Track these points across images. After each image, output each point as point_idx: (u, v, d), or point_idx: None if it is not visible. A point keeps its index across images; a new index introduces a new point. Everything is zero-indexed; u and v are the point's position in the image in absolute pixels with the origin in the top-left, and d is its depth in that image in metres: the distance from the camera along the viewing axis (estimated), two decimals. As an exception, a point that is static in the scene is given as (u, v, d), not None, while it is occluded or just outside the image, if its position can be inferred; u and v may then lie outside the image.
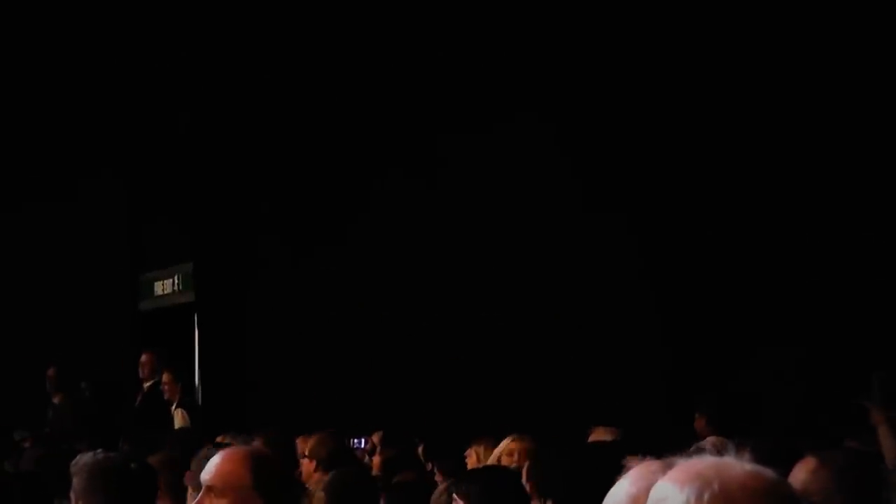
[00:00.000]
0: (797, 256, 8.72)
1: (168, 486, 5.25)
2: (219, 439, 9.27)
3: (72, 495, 4.58)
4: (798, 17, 8.62)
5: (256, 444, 8.97)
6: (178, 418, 11.68)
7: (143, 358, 12.57)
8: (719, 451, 2.98)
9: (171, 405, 11.89)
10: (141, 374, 12.53)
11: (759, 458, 3.94)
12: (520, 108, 10.79)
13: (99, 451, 4.76)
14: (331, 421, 9.55)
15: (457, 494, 4.92)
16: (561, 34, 10.34)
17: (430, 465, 7.30)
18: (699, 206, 9.32)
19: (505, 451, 7.19)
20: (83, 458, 4.67)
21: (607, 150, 10.08)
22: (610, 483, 2.49)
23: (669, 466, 2.61)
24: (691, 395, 8.49)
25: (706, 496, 2.10)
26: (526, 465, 5.78)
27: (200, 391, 14.12)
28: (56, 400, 13.30)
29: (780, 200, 8.81)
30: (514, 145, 10.85)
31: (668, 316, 9.62)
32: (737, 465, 2.17)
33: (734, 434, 7.08)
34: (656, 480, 2.24)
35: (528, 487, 5.32)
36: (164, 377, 11.99)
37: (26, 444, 10.12)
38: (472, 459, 7.69)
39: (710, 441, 6.77)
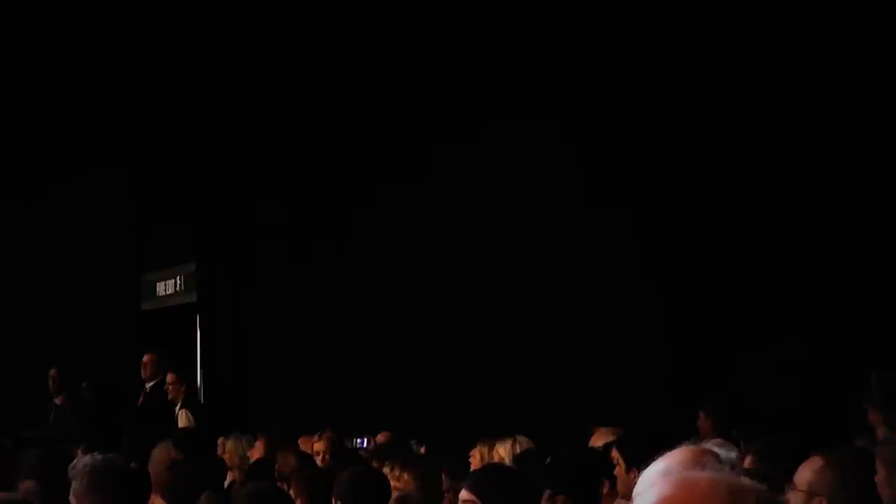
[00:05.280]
0: (797, 257, 8.71)
1: (163, 486, 5.23)
2: (220, 440, 9.29)
3: (71, 498, 4.57)
4: (796, 24, 8.62)
5: (258, 444, 9.03)
6: (183, 419, 11.67)
7: (146, 358, 12.56)
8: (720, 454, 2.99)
9: (176, 406, 11.89)
10: (143, 375, 12.51)
11: (765, 458, 3.95)
12: (520, 113, 10.79)
13: (96, 453, 4.76)
14: (332, 421, 9.56)
15: (469, 492, 4.94)
16: (564, 41, 10.34)
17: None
18: (699, 208, 9.32)
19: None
20: (82, 461, 4.67)
21: (607, 152, 10.09)
22: None
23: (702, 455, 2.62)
24: (692, 394, 8.48)
25: None
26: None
27: (202, 391, 14.12)
28: (58, 401, 13.30)
29: (780, 201, 8.81)
30: (514, 150, 10.86)
31: (668, 316, 9.62)
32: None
33: (740, 434, 7.08)
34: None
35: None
36: (169, 378, 11.98)
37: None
38: (475, 460, 7.67)
39: (714, 443, 6.75)
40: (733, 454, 3.18)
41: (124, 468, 4.64)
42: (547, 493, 5.19)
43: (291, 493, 6.22)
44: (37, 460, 6.03)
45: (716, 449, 3.13)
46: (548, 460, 6.01)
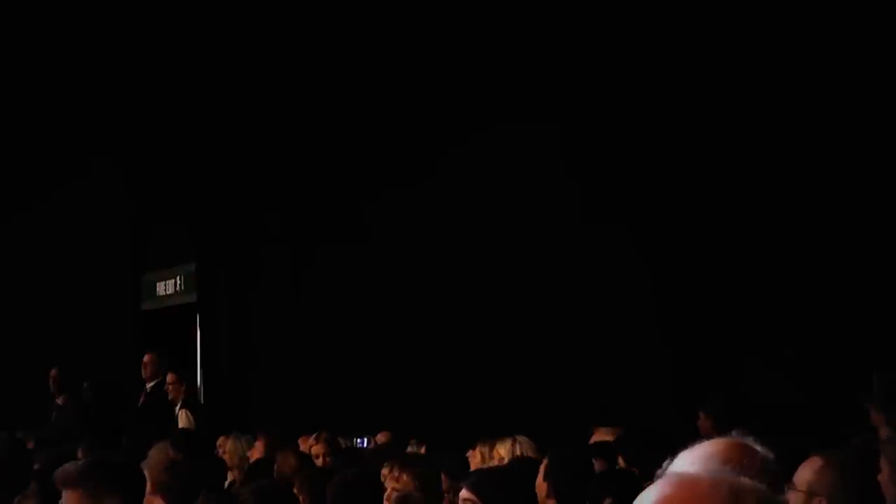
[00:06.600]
0: (797, 256, 8.71)
1: (162, 486, 5.23)
2: (220, 440, 9.29)
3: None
4: (794, 33, 8.62)
5: (258, 444, 9.03)
6: (183, 419, 11.67)
7: (146, 358, 12.56)
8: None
9: (176, 406, 11.89)
10: (143, 375, 12.51)
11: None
12: (520, 113, 10.79)
13: (94, 453, 4.76)
14: (332, 421, 9.56)
15: (469, 491, 4.93)
16: (564, 42, 10.34)
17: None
18: (700, 206, 9.31)
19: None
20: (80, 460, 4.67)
21: (608, 150, 10.09)
22: None
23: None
24: (692, 394, 8.48)
25: None
26: (544, 463, 5.76)
27: (202, 391, 14.12)
28: (59, 401, 13.30)
29: (780, 200, 8.80)
30: (514, 150, 10.86)
31: (668, 316, 9.62)
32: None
33: (741, 435, 7.05)
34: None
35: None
36: (169, 377, 11.98)
37: (29, 446, 10.11)
38: (475, 460, 7.67)
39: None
40: (771, 455, 3.18)
41: (122, 467, 4.63)
42: (608, 500, 5.16)
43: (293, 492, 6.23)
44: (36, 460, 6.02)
45: (757, 447, 3.13)
46: (546, 460, 5.98)
